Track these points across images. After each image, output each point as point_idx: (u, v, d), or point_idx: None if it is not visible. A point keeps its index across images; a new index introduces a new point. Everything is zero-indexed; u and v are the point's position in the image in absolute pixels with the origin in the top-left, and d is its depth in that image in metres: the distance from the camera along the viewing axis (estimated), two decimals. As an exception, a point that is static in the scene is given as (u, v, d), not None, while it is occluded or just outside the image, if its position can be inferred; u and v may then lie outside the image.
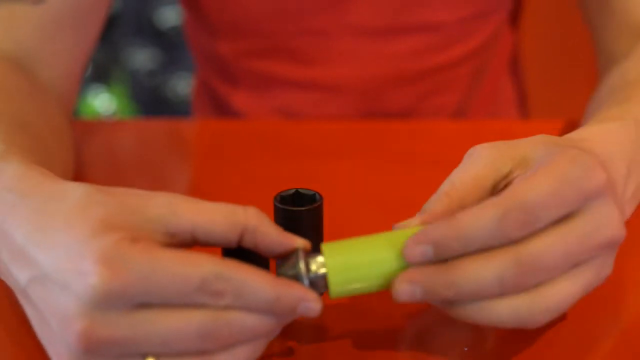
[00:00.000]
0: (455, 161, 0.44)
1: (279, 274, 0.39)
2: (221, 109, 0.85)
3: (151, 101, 1.90)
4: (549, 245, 0.38)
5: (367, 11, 0.75)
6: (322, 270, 0.39)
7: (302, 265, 0.39)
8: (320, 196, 0.45)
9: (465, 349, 0.43)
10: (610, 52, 0.67)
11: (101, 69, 1.93)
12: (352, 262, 0.39)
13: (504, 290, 0.37)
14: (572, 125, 0.67)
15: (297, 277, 0.39)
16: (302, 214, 0.44)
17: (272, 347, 0.43)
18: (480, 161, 0.42)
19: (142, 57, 1.88)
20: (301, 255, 0.39)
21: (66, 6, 0.61)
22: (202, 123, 0.78)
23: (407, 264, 0.39)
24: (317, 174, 0.62)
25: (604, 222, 0.39)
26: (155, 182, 0.64)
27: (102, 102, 1.93)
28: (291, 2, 0.75)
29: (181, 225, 0.37)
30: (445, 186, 0.42)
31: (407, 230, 0.40)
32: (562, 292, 0.38)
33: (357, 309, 0.46)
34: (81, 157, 0.65)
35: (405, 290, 0.38)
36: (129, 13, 1.86)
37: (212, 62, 0.84)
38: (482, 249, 0.38)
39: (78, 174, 0.62)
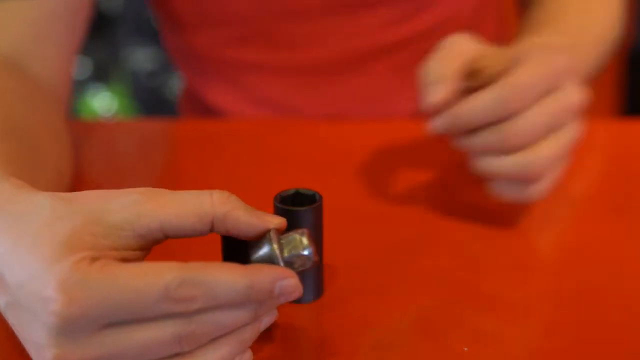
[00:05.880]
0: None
1: (252, 259, 0.39)
2: (204, 109, 0.85)
3: (151, 101, 1.90)
4: (538, 109, 0.49)
5: None
6: (297, 250, 0.39)
7: (275, 246, 0.38)
8: (320, 196, 0.45)
9: (465, 349, 0.43)
10: None
11: (101, 69, 1.93)
12: None
13: (505, 148, 0.49)
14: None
15: (271, 259, 0.38)
16: (302, 214, 0.44)
17: (271, 347, 0.44)
18: (462, 48, 0.53)
19: (142, 57, 1.88)
20: (274, 237, 0.39)
21: (58, 3, 0.61)
22: (202, 123, 0.78)
23: None
24: (317, 173, 0.62)
25: (574, 93, 0.51)
26: (156, 182, 0.64)
27: (102, 102, 1.93)
28: None
29: (148, 226, 0.37)
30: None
31: None
32: (549, 149, 0.50)
33: (356, 308, 0.46)
34: (81, 158, 0.65)
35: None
36: (129, 13, 1.86)
37: (190, 59, 0.83)
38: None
39: (78, 175, 0.62)
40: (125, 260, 0.37)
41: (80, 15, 0.64)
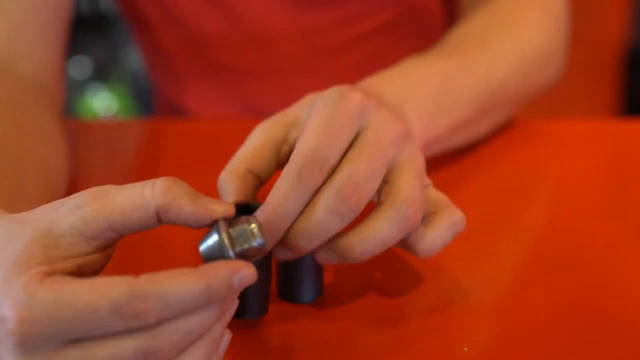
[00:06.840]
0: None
1: (201, 250, 0.37)
2: (177, 113, 0.85)
3: (151, 101, 1.91)
4: (357, 163, 0.42)
5: None
6: (249, 243, 0.38)
7: (223, 236, 0.37)
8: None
9: (465, 349, 0.43)
10: None
11: (101, 69, 1.93)
12: None
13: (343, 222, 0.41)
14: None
15: (221, 250, 0.37)
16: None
17: (269, 344, 0.44)
18: (257, 135, 0.47)
19: (142, 57, 1.88)
20: (222, 226, 0.37)
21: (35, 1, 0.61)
22: (201, 122, 0.78)
23: None
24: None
25: (383, 126, 0.43)
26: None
27: (102, 102, 1.93)
28: None
29: (96, 228, 0.36)
30: (231, 164, 0.46)
31: None
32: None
33: (356, 308, 0.46)
34: (81, 158, 0.65)
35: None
36: (129, 13, 1.86)
37: (160, 60, 0.83)
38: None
39: (78, 175, 0.62)
40: (82, 267, 0.36)
41: (61, 9, 0.64)
